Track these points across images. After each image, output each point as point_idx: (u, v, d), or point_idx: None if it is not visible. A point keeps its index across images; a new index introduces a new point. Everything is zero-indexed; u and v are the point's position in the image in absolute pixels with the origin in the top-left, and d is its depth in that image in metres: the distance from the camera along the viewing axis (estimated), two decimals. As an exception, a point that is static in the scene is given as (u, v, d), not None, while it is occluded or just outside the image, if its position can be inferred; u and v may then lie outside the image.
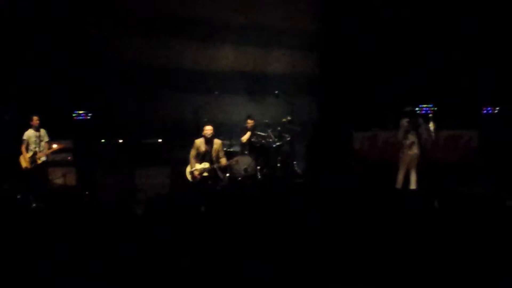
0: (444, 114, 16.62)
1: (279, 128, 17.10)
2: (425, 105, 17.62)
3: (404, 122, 14.13)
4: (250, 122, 17.08)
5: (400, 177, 14.18)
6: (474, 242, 7.04)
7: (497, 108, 18.15)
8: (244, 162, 15.99)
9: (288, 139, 17.18)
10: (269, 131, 17.01)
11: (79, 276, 6.62)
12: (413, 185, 14.07)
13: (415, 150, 14.11)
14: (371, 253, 6.84)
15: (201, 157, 14.76)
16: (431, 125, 14.29)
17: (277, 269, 6.53)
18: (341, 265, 6.65)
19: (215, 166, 14.66)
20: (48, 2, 17.39)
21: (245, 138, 16.81)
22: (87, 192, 15.62)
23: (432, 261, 6.62)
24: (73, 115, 17.71)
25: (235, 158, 15.66)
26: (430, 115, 15.89)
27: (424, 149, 14.15)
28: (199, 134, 14.99)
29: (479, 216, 8.15)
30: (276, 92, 17.66)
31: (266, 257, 6.83)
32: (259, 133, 16.96)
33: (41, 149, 14.98)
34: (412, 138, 14.09)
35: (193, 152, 14.80)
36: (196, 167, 14.66)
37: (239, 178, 15.79)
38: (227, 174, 15.37)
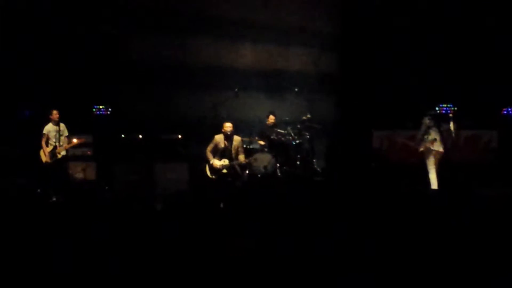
0: (464, 114, 16.57)
1: (298, 126, 17.02)
2: (445, 105, 17.56)
3: (426, 119, 14.04)
4: (271, 119, 17.06)
5: (433, 176, 13.99)
6: (493, 241, 7.01)
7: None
8: (264, 160, 15.91)
9: (308, 137, 17.11)
10: (288, 128, 16.95)
11: (98, 269, 6.63)
12: (434, 185, 13.92)
13: (437, 148, 13.98)
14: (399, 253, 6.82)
15: (220, 154, 14.72)
16: (451, 125, 14.20)
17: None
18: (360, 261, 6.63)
19: (235, 163, 14.62)
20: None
21: (261, 142, 16.76)
22: (106, 187, 15.66)
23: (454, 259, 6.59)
24: (93, 110, 17.76)
25: (255, 156, 15.61)
26: (450, 115, 15.86)
27: (448, 148, 14.07)
28: (218, 131, 14.98)
29: (498, 216, 8.12)
30: (296, 89, 17.64)
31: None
32: (279, 130, 16.90)
33: (61, 143, 14.98)
34: (434, 135, 13.98)
35: (210, 147, 14.74)
36: (215, 163, 14.62)
37: (259, 176, 15.74)
38: (247, 171, 15.32)
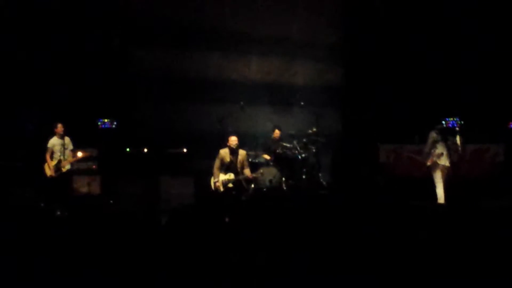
0: (471, 127, 16.51)
1: (304, 140, 17.01)
2: (451, 118, 17.49)
3: (433, 133, 14.00)
4: (277, 133, 17.03)
5: (440, 191, 13.95)
6: (501, 255, 6.97)
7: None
8: (269, 173, 15.89)
9: (314, 150, 17.09)
10: (294, 142, 16.92)
11: (102, 283, 6.59)
12: (441, 199, 13.86)
13: (444, 162, 13.91)
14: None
15: (225, 168, 14.69)
16: (458, 139, 14.15)
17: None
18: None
19: (240, 177, 14.57)
20: (71, 13, 17.44)
21: (266, 156, 16.72)
22: (111, 201, 15.62)
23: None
24: (98, 123, 17.75)
25: (260, 170, 15.54)
26: (457, 128, 15.78)
27: (454, 162, 14.02)
28: (224, 145, 14.94)
29: (505, 229, 8.07)
30: (302, 103, 17.63)
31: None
32: (284, 144, 16.87)
33: (66, 157, 14.96)
34: (441, 149, 13.93)
35: (217, 163, 14.73)
36: (220, 178, 14.58)
37: (264, 189, 15.70)
38: (252, 185, 15.27)
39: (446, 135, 13.97)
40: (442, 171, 13.93)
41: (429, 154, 14.04)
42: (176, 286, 6.56)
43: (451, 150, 13.95)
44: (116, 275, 6.72)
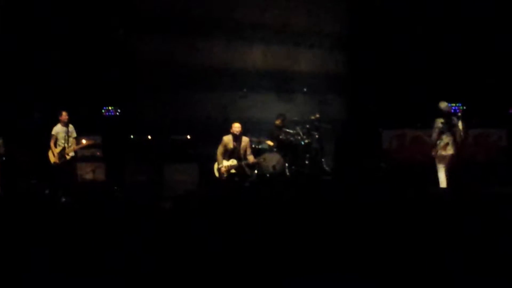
0: (473, 112, 16.53)
1: (307, 126, 17.04)
2: (454, 104, 17.51)
3: (439, 122, 13.84)
4: (280, 119, 17.03)
5: (442, 175, 13.87)
6: (502, 240, 6.99)
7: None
8: (273, 160, 15.92)
9: (317, 136, 17.13)
10: (297, 128, 16.97)
11: (108, 270, 6.64)
12: (443, 184, 13.83)
13: (449, 151, 13.82)
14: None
15: (229, 154, 14.78)
16: (460, 124, 14.12)
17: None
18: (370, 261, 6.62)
19: (243, 163, 14.66)
20: (74, 2, 17.48)
21: (269, 142, 16.77)
22: (116, 188, 15.69)
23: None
24: (103, 111, 17.80)
25: (263, 156, 15.61)
26: (459, 114, 15.77)
27: (458, 149, 13.99)
28: (227, 131, 15.01)
29: (507, 215, 8.09)
30: (305, 89, 17.67)
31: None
32: (287, 130, 16.91)
33: (70, 144, 15.04)
34: (446, 139, 13.81)
35: (220, 149, 14.82)
36: (224, 164, 14.67)
37: (267, 175, 15.76)
38: (255, 171, 15.35)
39: (451, 122, 13.89)
40: (447, 159, 13.92)
41: (435, 144, 13.94)
42: (179, 275, 6.61)
43: (456, 138, 13.91)
44: (120, 262, 6.78)
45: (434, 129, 13.96)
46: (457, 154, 13.94)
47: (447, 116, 13.89)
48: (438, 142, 13.89)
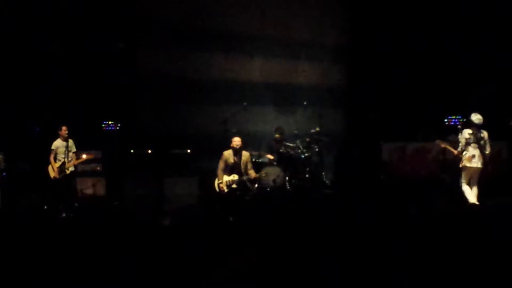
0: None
1: (307, 139, 17.03)
2: (453, 117, 17.48)
3: (466, 133, 13.76)
4: (279, 134, 17.01)
5: (466, 188, 13.81)
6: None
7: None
8: (273, 173, 15.91)
9: (317, 150, 17.12)
10: (297, 142, 16.97)
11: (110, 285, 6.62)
12: (473, 199, 13.65)
13: (475, 164, 13.70)
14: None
15: (230, 169, 14.78)
16: (486, 137, 13.99)
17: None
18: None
19: (245, 178, 14.66)
20: (76, 14, 17.47)
21: (270, 156, 16.74)
22: (116, 202, 15.66)
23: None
24: (103, 125, 17.78)
25: (264, 170, 15.58)
26: (459, 126, 15.72)
27: (486, 162, 13.88)
28: (227, 145, 15.00)
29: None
30: (305, 103, 17.66)
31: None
32: (288, 144, 16.90)
33: (70, 159, 15.04)
34: (472, 151, 13.70)
35: (221, 165, 14.84)
36: (224, 179, 14.67)
37: (268, 189, 15.74)
38: (256, 185, 15.32)
39: (479, 135, 13.71)
40: (471, 172, 13.80)
41: (461, 155, 13.83)
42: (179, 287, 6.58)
43: (485, 150, 13.78)
44: (120, 276, 6.75)
45: (460, 140, 13.87)
46: (485, 167, 13.89)
47: (476, 128, 13.76)
48: (464, 153, 13.77)
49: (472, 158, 13.70)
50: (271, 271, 6.75)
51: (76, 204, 14.81)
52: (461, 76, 18.23)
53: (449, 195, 14.33)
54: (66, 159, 14.96)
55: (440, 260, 6.64)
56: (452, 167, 14.79)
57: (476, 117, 13.77)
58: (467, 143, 13.74)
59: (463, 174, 13.88)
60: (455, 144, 14.04)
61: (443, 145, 14.34)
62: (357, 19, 19.72)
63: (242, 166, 14.78)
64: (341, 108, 19.68)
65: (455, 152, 13.98)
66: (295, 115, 18.76)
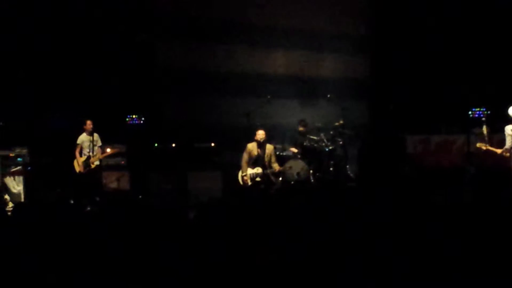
0: (497, 117, 16.34)
1: (331, 132, 16.96)
2: (478, 109, 17.34)
3: (509, 129, 13.34)
4: (302, 127, 16.99)
5: None
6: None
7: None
8: (297, 167, 15.88)
9: (341, 143, 17.05)
10: (321, 135, 16.90)
11: (134, 279, 6.62)
12: None
13: None
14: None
15: (253, 162, 14.78)
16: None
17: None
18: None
19: (269, 171, 14.65)
20: (96, 10, 17.51)
21: (293, 149, 16.72)
22: (140, 196, 15.71)
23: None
24: (127, 119, 17.84)
25: (288, 164, 15.56)
26: (483, 118, 15.53)
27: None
28: (251, 138, 14.99)
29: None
30: (328, 95, 17.60)
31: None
32: (311, 137, 16.86)
33: (95, 153, 15.11)
34: None
35: (245, 157, 14.84)
36: (248, 172, 14.66)
37: (292, 182, 15.71)
38: (280, 179, 15.31)
39: None
40: None
41: (509, 150, 13.28)
42: (203, 282, 6.57)
43: None
44: (144, 270, 6.76)
45: (506, 137, 13.44)
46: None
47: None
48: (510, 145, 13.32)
49: None
50: (295, 268, 6.74)
51: (97, 199, 14.85)
52: (485, 67, 18.04)
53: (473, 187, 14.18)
54: (91, 154, 15.03)
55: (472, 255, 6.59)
56: (475, 159, 14.63)
57: None
58: None
59: None
60: (482, 137, 13.82)
61: (484, 148, 13.91)
62: (380, 10, 19.58)
63: (266, 159, 14.77)
64: (365, 101, 19.59)
65: (499, 151, 13.50)
66: (319, 108, 18.68)
